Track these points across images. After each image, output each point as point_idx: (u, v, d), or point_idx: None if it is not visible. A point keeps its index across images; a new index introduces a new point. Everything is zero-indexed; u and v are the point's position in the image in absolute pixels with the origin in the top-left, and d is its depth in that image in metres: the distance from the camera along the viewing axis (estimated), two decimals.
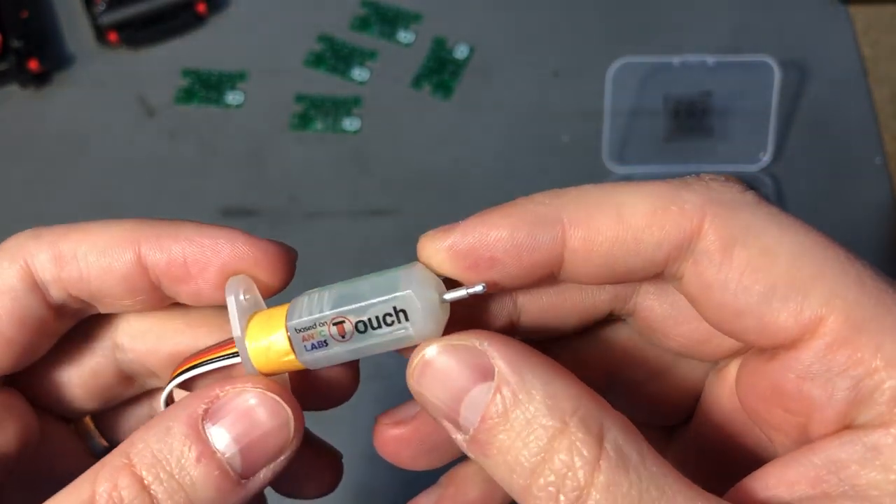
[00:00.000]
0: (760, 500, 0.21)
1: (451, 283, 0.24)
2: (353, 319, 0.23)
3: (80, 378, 0.28)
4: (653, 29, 0.73)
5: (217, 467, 0.22)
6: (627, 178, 0.66)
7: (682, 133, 0.69)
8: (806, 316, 0.21)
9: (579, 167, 0.68)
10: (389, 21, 0.74)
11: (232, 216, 0.67)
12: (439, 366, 0.22)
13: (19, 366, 0.26)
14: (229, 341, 0.25)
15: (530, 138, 0.69)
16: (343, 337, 0.24)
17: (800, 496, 0.21)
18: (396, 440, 0.28)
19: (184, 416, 0.23)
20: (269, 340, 0.24)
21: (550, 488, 0.20)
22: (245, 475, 0.23)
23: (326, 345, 0.24)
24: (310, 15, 0.74)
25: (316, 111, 0.70)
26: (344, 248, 0.65)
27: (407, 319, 0.23)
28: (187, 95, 0.71)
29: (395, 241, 0.65)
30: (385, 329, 0.23)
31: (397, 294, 0.23)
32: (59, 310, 0.26)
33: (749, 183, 0.64)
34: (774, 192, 0.66)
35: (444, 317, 0.23)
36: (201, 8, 0.72)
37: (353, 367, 0.28)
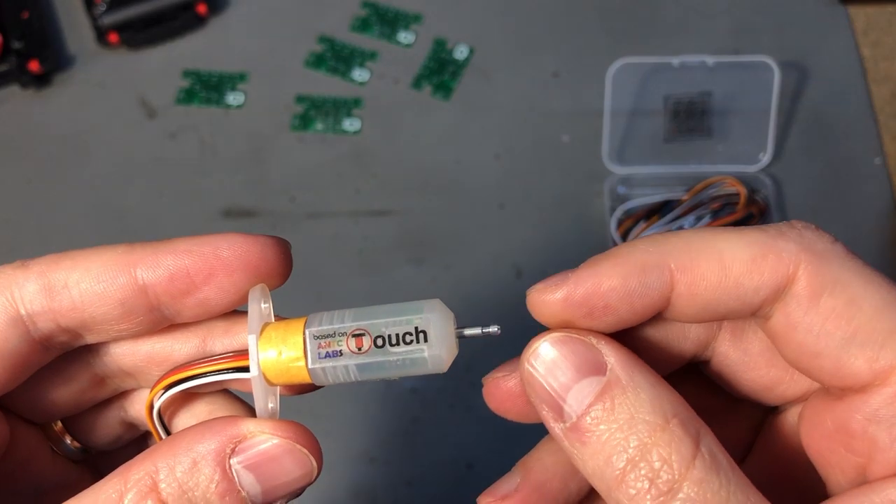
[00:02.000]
0: None
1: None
2: (373, 334, 0.25)
3: (51, 382, 0.27)
4: (653, 29, 0.73)
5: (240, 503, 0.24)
6: (627, 179, 0.67)
7: (682, 133, 0.69)
8: (880, 364, 0.23)
9: (579, 167, 0.68)
10: (389, 22, 0.74)
11: (232, 217, 0.67)
12: (558, 352, 0.23)
13: None
14: (230, 355, 0.26)
15: (530, 138, 0.69)
16: (359, 350, 0.25)
17: None
18: None
19: (213, 452, 0.24)
20: (283, 344, 0.25)
21: (645, 478, 0.21)
22: None
23: (340, 355, 0.25)
24: (310, 16, 0.74)
25: (316, 112, 0.70)
26: (344, 249, 0.65)
27: (426, 341, 0.24)
28: (188, 96, 0.71)
29: (396, 241, 0.66)
30: (402, 347, 0.24)
31: (421, 315, 0.24)
32: (43, 342, 0.26)
33: (749, 184, 0.64)
34: (774, 192, 0.66)
35: (455, 350, 0.25)
36: (202, 9, 0.72)
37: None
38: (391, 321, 0.25)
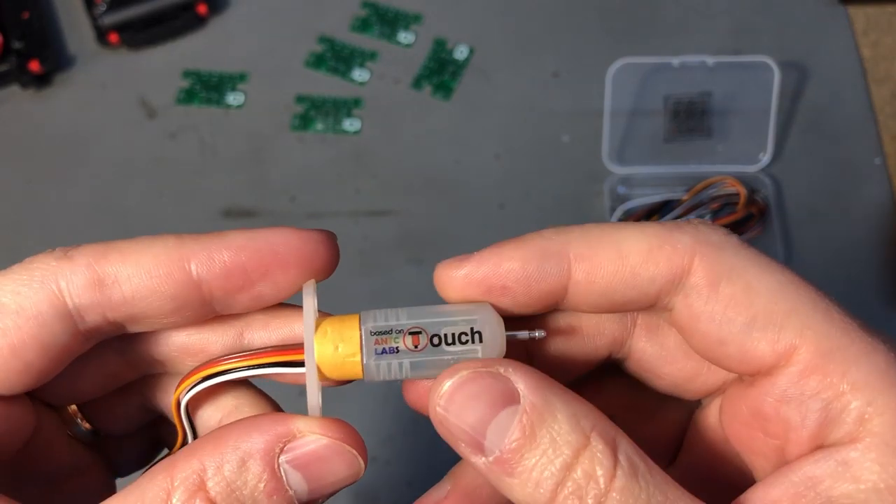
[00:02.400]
0: None
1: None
2: (430, 332, 0.25)
3: (81, 368, 0.27)
4: (652, 29, 0.73)
5: (286, 502, 0.24)
6: (627, 179, 0.67)
7: (682, 133, 0.69)
8: (781, 345, 0.23)
9: (579, 167, 0.68)
10: (390, 22, 0.74)
11: (232, 217, 0.67)
12: (467, 391, 0.23)
13: (34, 387, 0.26)
14: (278, 348, 0.26)
15: (530, 138, 0.69)
16: (416, 347, 0.25)
17: None
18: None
19: (261, 451, 0.24)
20: (340, 340, 0.25)
21: (574, 496, 0.22)
22: None
23: (396, 352, 0.25)
24: (310, 16, 0.74)
25: (316, 112, 0.70)
26: (344, 249, 0.65)
27: (480, 341, 0.25)
28: (188, 96, 0.71)
29: (396, 242, 0.66)
30: (457, 347, 0.25)
31: (477, 317, 0.25)
32: (87, 334, 0.26)
33: (749, 184, 0.65)
34: (774, 192, 0.66)
35: (504, 353, 0.25)
36: (202, 9, 0.72)
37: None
38: (448, 321, 0.25)
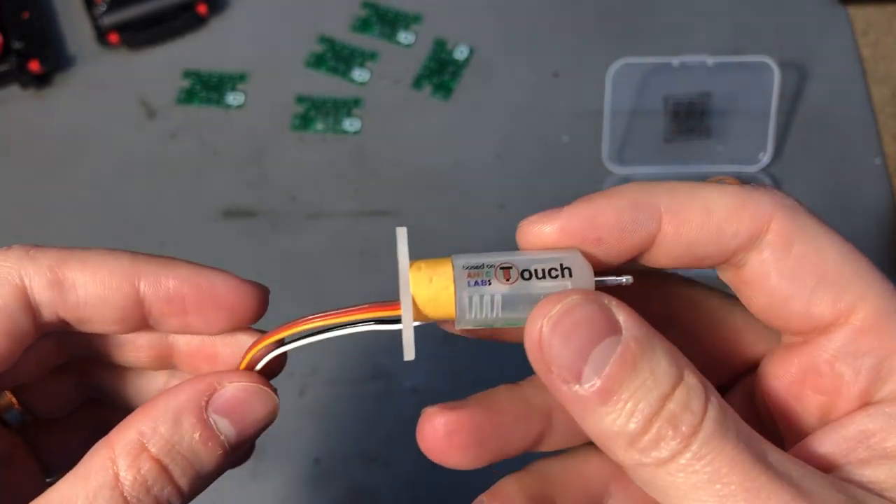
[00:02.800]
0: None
1: None
2: (520, 267, 0.26)
3: (24, 356, 0.29)
4: (652, 30, 0.73)
5: (220, 447, 0.27)
6: (627, 179, 0.67)
7: (682, 133, 0.69)
8: (843, 304, 0.25)
9: (579, 167, 0.68)
10: (390, 22, 0.74)
11: (232, 217, 0.67)
12: (575, 316, 0.24)
13: None
14: (367, 306, 0.27)
15: (530, 138, 0.69)
16: (507, 280, 0.26)
17: (839, 463, 0.24)
18: (446, 429, 0.28)
19: (190, 406, 0.27)
20: (433, 273, 0.26)
21: (668, 425, 0.23)
22: (236, 449, 0.27)
23: (489, 283, 0.25)
24: (310, 16, 0.74)
25: (316, 112, 0.70)
26: (344, 249, 0.65)
27: (570, 276, 0.25)
28: (188, 96, 0.71)
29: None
30: (548, 281, 0.25)
31: (565, 254, 0.26)
32: (40, 327, 0.28)
33: (749, 184, 0.65)
34: None
35: (593, 289, 0.26)
36: (202, 9, 0.72)
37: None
38: (537, 258, 0.26)
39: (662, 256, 0.26)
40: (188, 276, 0.28)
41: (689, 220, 0.25)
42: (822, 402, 0.26)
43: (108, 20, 0.71)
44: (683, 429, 0.23)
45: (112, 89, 0.72)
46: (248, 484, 0.58)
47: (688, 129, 0.69)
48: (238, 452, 0.28)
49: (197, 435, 0.26)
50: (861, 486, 0.23)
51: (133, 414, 0.26)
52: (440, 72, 0.72)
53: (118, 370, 0.31)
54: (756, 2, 0.74)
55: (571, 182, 0.68)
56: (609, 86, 0.66)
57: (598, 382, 0.23)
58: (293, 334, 0.28)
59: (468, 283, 0.25)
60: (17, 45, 0.70)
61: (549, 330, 0.24)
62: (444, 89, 0.71)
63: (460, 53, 0.72)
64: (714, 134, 0.69)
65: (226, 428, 0.27)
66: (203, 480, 0.27)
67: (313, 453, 0.59)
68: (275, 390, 0.28)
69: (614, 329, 0.24)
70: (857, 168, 0.68)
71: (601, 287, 0.26)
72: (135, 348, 0.30)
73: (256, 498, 0.58)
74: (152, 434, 0.26)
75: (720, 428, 0.23)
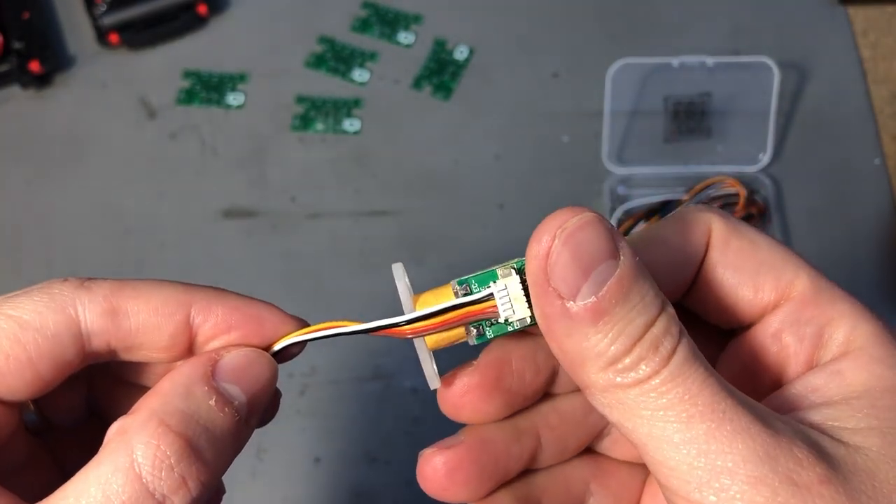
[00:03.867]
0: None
1: None
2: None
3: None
4: (652, 30, 0.73)
5: (236, 412, 0.27)
6: (627, 179, 0.67)
7: (682, 134, 0.69)
8: (782, 283, 0.28)
9: (579, 168, 0.68)
10: (390, 22, 0.74)
11: (233, 217, 0.67)
12: (589, 232, 0.25)
13: (34, 397, 0.28)
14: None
15: (530, 139, 0.70)
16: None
17: (790, 410, 0.26)
18: (447, 468, 0.30)
19: (198, 377, 0.27)
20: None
21: (651, 347, 0.24)
22: (249, 418, 0.27)
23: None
24: (310, 16, 0.74)
25: (316, 112, 0.70)
26: (345, 249, 0.65)
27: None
28: (188, 96, 0.71)
29: (396, 242, 0.66)
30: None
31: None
32: (87, 355, 0.28)
33: (749, 185, 0.65)
34: (774, 192, 0.66)
35: None
36: (202, 9, 0.72)
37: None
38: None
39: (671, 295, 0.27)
40: (237, 304, 0.29)
41: (660, 255, 0.28)
42: (774, 375, 0.28)
43: (108, 20, 0.71)
44: (663, 351, 0.24)
45: (112, 89, 0.72)
46: (248, 483, 0.58)
47: (688, 129, 0.69)
48: (250, 426, 0.28)
49: (212, 401, 0.26)
50: (807, 425, 0.25)
51: (142, 398, 0.26)
52: (440, 72, 0.72)
53: (131, 388, 0.31)
54: (756, 2, 0.74)
55: (571, 182, 0.68)
56: (609, 86, 0.66)
57: (592, 301, 0.24)
58: (317, 330, 0.29)
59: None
60: (17, 45, 0.70)
61: (561, 241, 0.24)
62: (444, 89, 0.71)
63: (460, 54, 0.72)
64: (714, 134, 0.69)
65: (237, 394, 0.27)
66: (225, 455, 0.26)
67: (314, 453, 0.59)
68: (273, 356, 0.29)
69: (614, 253, 0.24)
70: (857, 168, 0.68)
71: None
72: (154, 373, 0.31)
73: (256, 497, 0.58)
74: (165, 409, 0.25)
75: (693, 354, 0.24)
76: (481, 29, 0.73)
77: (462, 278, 0.28)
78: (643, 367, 0.24)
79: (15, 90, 0.71)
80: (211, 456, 0.26)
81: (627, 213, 0.65)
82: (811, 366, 0.28)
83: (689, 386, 0.24)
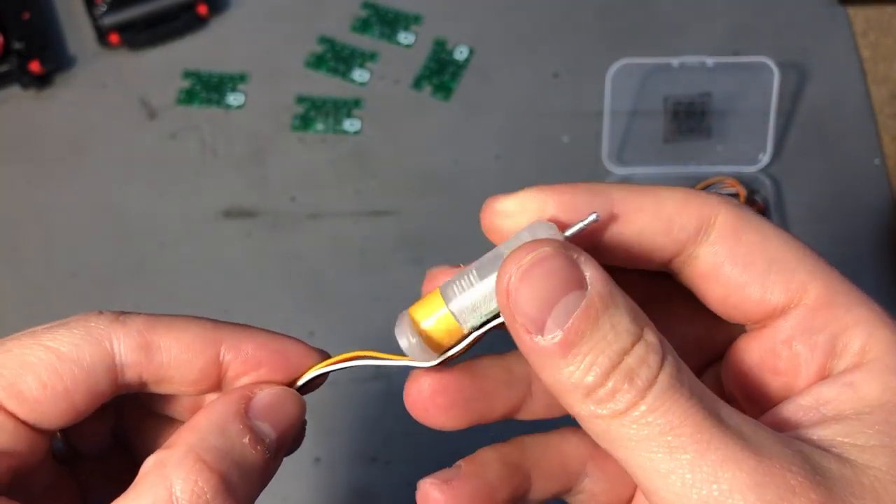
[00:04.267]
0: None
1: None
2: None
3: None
4: (652, 30, 0.73)
5: (267, 450, 0.28)
6: (627, 179, 0.67)
7: (682, 134, 0.69)
8: (794, 285, 0.26)
9: (579, 168, 0.68)
10: (390, 22, 0.74)
11: (233, 217, 0.67)
12: (544, 268, 0.24)
13: (66, 426, 0.29)
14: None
15: (530, 139, 0.70)
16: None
17: (797, 426, 0.25)
18: (431, 389, 0.30)
19: (233, 415, 0.28)
20: (433, 315, 0.27)
21: (626, 378, 0.23)
22: (278, 453, 0.29)
23: (472, 285, 0.27)
24: (310, 16, 0.74)
25: (317, 112, 0.70)
26: (345, 249, 0.66)
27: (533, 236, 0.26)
28: (188, 97, 0.71)
29: (396, 242, 0.66)
30: (514, 241, 0.26)
31: (527, 231, 0.26)
32: (120, 387, 0.29)
33: (749, 185, 0.65)
34: (774, 192, 0.66)
35: None
36: (202, 10, 0.72)
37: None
38: (509, 248, 0.26)
39: (613, 244, 0.27)
40: (265, 340, 0.30)
41: (641, 208, 0.27)
42: (783, 382, 0.27)
43: (108, 20, 0.71)
44: (639, 382, 0.23)
45: (112, 90, 0.72)
46: None
47: (687, 129, 0.69)
48: (278, 460, 0.29)
49: (246, 440, 0.27)
50: (811, 443, 0.24)
51: (178, 432, 0.27)
52: (440, 72, 0.72)
53: (158, 419, 0.32)
54: (755, 2, 0.74)
55: (571, 182, 0.67)
56: (609, 86, 0.66)
57: (559, 335, 0.24)
58: (343, 362, 0.30)
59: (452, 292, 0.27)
60: (17, 45, 0.70)
61: (517, 279, 0.24)
62: (444, 90, 0.71)
63: (460, 54, 0.72)
64: (714, 134, 0.69)
65: (267, 431, 0.28)
66: (255, 489, 0.28)
67: (314, 453, 0.59)
68: (297, 391, 0.30)
69: (580, 283, 0.24)
70: (857, 168, 0.68)
71: (570, 236, 0.26)
72: (180, 406, 0.31)
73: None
74: (202, 445, 0.26)
75: (674, 383, 0.24)
76: (481, 29, 0.73)
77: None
78: (619, 398, 0.23)
79: (15, 90, 0.71)
80: (243, 492, 0.27)
81: None
82: (823, 375, 0.26)
83: (671, 417, 0.23)
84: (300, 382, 0.30)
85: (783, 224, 0.66)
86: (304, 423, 0.30)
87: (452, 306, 0.27)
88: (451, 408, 0.30)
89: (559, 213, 0.27)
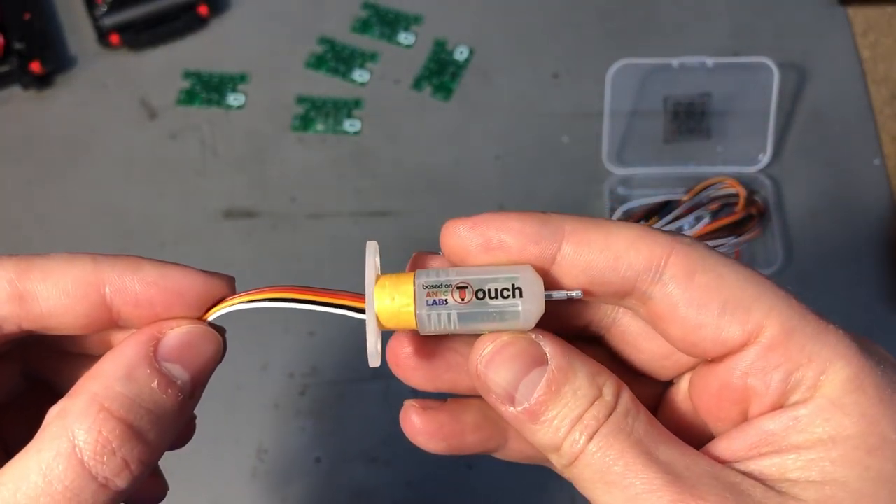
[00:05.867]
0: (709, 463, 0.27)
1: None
2: (475, 287, 0.28)
3: None
4: (652, 31, 0.73)
5: (179, 392, 0.27)
6: (627, 179, 0.67)
7: (682, 134, 0.69)
8: (750, 325, 0.27)
9: (579, 168, 0.68)
10: (390, 23, 0.74)
11: (233, 217, 0.67)
12: (505, 354, 0.27)
13: None
14: (347, 293, 0.30)
15: (530, 139, 0.70)
16: (462, 300, 0.28)
17: (739, 458, 0.27)
18: (421, 424, 0.33)
19: (140, 358, 0.27)
20: (395, 292, 0.29)
21: (583, 433, 0.27)
22: (193, 393, 0.28)
23: (446, 303, 0.28)
24: (311, 17, 0.74)
25: (317, 113, 0.71)
26: (345, 249, 0.66)
27: (521, 296, 0.27)
28: (189, 97, 0.71)
29: (396, 242, 0.66)
30: (500, 301, 0.28)
31: (518, 275, 0.28)
32: (2, 338, 0.28)
33: (749, 185, 0.65)
34: (773, 193, 0.66)
35: (543, 310, 0.28)
36: (203, 10, 0.73)
37: (189, 421, 0.32)
38: (492, 278, 0.28)
39: (565, 274, 0.28)
40: (154, 278, 0.28)
41: (589, 242, 0.27)
42: (741, 409, 0.28)
43: (108, 21, 0.71)
44: (587, 432, 0.27)
45: (113, 90, 0.72)
46: (248, 484, 0.58)
47: (687, 129, 0.69)
48: (195, 398, 0.28)
49: (155, 384, 0.26)
50: (752, 476, 0.26)
51: (81, 380, 0.26)
52: (440, 72, 0.72)
53: (67, 356, 0.31)
54: (755, 3, 0.74)
55: (571, 182, 0.68)
56: (609, 86, 0.66)
57: (527, 405, 0.27)
58: (264, 298, 0.29)
59: (427, 301, 0.28)
60: (18, 45, 0.70)
61: (483, 367, 0.28)
62: (444, 90, 0.71)
63: (460, 54, 0.72)
64: (714, 135, 0.69)
65: (180, 374, 0.27)
66: (169, 433, 0.27)
67: (314, 453, 0.59)
68: (222, 330, 0.29)
69: (541, 360, 0.27)
70: (857, 168, 0.68)
71: (550, 301, 0.28)
72: (89, 341, 0.30)
73: (256, 498, 0.58)
74: (107, 393, 0.25)
75: (615, 430, 0.27)
76: (481, 29, 0.73)
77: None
78: (573, 448, 0.27)
79: (16, 91, 0.71)
80: (154, 436, 0.26)
81: (627, 214, 0.65)
82: (777, 407, 0.27)
83: (607, 460, 0.26)
84: (214, 316, 0.29)
85: (783, 224, 0.66)
86: (220, 358, 0.29)
87: (421, 320, 0.28)
88: (436, 440, 0.33)
89: (507, 238, 0.28)
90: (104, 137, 0.70)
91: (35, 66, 0.70)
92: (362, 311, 0.29)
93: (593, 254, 0.27)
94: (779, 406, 0.27)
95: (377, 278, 0.30)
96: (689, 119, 0.69)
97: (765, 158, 0.67)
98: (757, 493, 0.25)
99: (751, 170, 0.67)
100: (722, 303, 0.27)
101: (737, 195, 0.64)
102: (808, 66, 0.71)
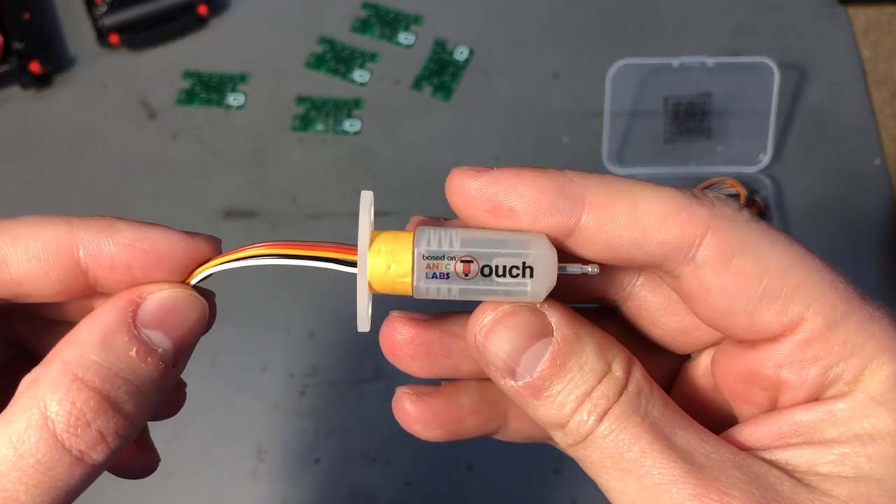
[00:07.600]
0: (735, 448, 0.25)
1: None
2: (481, 262, 0.25)
3: None
4: (652, 31, 0.73)
5: (160, 361, 0.25)
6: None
7: (682, 134, 0.69)
8: (789, 317, 0.25)
9: (579, 168, 0.67)
10: (390, 23, 0.74)
11: (233, 217, 0.67)
12: (506, 324, 0.25)
13: None
14: (336, 245, 0.27)
15: (530, 139, 0.70)
16: (466, 276, 0.25)
17: (765, 446, 0.25)
18: (415, 411, 0.30)
19: (117, 323, 0.25)
20: (392, 259, 0.26)
21: (591, 412, 0.25)
22: (176, 362, 0.26)
23: (447, 277, 0.25)
24: (311, 17, 0.74)
25: (317, 113, 0.70)
26: None
27: (531, 276, 0.25)
28: (188, 97, 0.71)
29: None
30: (507, 279, 0.25)
31: (531, 251, 0.25)
32: None
33: (749, 185, 0.65)
34: (774, 193, 0.66)
35: (554, 284, 0.25)
36: (202, 10, 0.73)
37: (179, 389, 0.30)
38: (501, 252, 0.25)
39: (582, 248, 0.25)
40: (130, 240, 0.26)
41: (614, 217, 0.25)
42: (770, 396, 0.26)
43: (108, 21, 0.71)
44: (597, 411, 0.25)
45: (112, 90, 0.72)
46: (248, 484, 0.58)
47: (688, 129, 0.69)
48: (178, 367, 0.26)
49: (133, 352, 0.24)
50: (777, 465, 0.25)
51: (55, 348, 0.25)
52: (440, 73, 0.72)
53: (49, 323, 0.29)
54: (756, 3, 0.74)
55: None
56: (609, 86, 0.66)
57: (529, 380, 0.25)
58: (249, 256, 0.27)
59: (426, 274, 0.25)
60: (17, 45, 0.70)
61: (482, 337, 0.26)
62: (444, 90, 0.71)
63: (460, 54, 0.72)
64: (714, 135, 0.69)
65: (161, 341, 0.25)
66: (149, 404, 0.25)
67: (314, 453, 0.59)
68: (209, 294, 0.27)
69: (546, 331, 0.25)
70: (857, 168, 0.68)
71: (563, 275, 0.25)
72: (71, 307, 0.28)
73: (256, 498, 0.58)
74: (80, 362, 0.24)
75: (629, 410, 0.25)
76: (481, 30, 0.73)
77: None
78: (581, 428, 0.25)
79: (15, 91, 0.71)
80: (132, 408, 0.24)
81: None
82: (811, 400, 0.25)
83: (619, 444, 0.24)
84: (197, 278, 0.27)
85: (783, 224, 0.66)
86: (207, 324, 0.27)
87: (418, 291, 0.25)
88: (431, 428, 0.30)
89: (518, 207, 0.25)
90: (104, 137, 0.70)
91: (34, 66, 0.70)
92: (354, 265, 0.26)
93: (618, 229, 0.25)
94: (813, 399, 0.25)
95: (372, 236, 0.26)
96: (690, 119, 0.69)
97: (765, 158, 0.67)
98: (785, 488, 0.24)
99: (751, 170, 0.67)
100: (760, 291, 0.24)
101: (737, 195, 0.64)
102: (809, 66, 0.71)
